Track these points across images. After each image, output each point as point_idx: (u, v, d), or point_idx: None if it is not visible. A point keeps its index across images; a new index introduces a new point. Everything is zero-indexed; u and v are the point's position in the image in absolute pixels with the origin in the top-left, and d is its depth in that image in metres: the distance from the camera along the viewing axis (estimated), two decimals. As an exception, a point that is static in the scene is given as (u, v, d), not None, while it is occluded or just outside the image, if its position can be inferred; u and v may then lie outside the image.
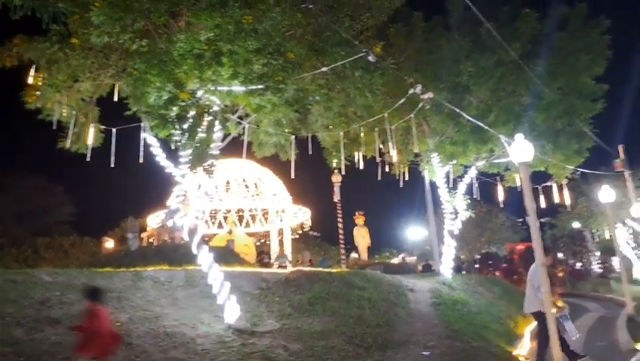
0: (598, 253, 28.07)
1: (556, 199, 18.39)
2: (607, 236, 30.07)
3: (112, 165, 10.78)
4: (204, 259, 8.99)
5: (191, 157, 8.56)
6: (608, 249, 27.58)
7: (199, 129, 8.13)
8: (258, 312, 9.53)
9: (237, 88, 7.71)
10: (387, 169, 15.34)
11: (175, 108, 7.51)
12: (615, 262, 25.10)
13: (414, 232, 39.73)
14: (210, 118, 8.39)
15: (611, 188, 16.96)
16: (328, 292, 10.95)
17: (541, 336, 8.47)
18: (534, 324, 13.74)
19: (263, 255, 20.18)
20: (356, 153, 13.20)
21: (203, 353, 7.57)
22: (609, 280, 25.29)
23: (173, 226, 13.96)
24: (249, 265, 15.91)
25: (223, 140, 9.87)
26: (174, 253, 12.97)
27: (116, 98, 10.17)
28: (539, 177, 17.55)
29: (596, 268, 25.64)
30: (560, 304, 15.14)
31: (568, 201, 19.42)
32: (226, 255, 14.92)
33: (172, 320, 8.31)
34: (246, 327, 8.62)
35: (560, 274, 23.17)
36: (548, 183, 17.65)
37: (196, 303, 9.27)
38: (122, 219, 31.00)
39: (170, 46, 7.86)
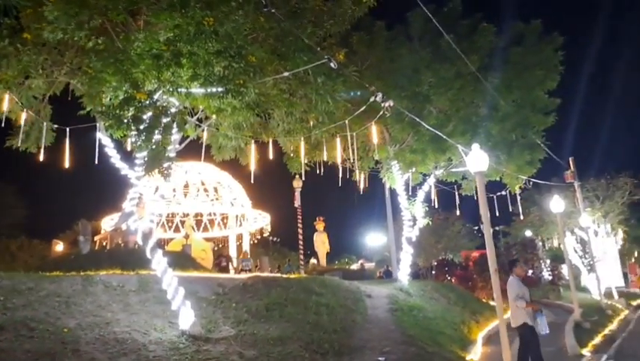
0: (548, 261, 28.94)
1: (510, 208, 18.90)
2: (556, 244, 31.14)
3: (65, 166, 10.41)
4: (159, 263, 8.78)
5: (147, 159, 8.36)
6: (558, 257, 28.50)
7: (156, 131, 7.93)
8: (213, 318, 9.40)
9: (197, 90, 7.59)
10: (348, 176, 15.47)
11: (131, 109, 7.31)
12: (564, 269, 25.95)
13: (373, 239, 40.14)
14: (168, 120, 8.21)
15: (562, 198, 17.58)
16: (286, 298, 10.91)
17: (522, 351, 8.56)
18: (486, 330, 14.13)
19: (221, 258, 19.75)
20: (317, 159, 13.22)
21: (155, 359, 7.39)
22: (558, 287, 26.08)
23: (127, 229, 13.62)
24: (205, 270, 15.68)
25: (181, 142, 9.68)
26: (128, 257, 12.66)
27: (70, 97, 9.83)
28: (494, 187, 18.02)
29: (546, 275, 26.42)
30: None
31: (520, 210, 19.98)
32: (182, 260, 14.67)
33: (123, 326, 8.08)
34: (201, 333, 8.46)
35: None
36: (503, 193, 18.12)
37: (149, 309, 9.07)
38: (74, 221, 30.05)
39: (127, 45, 7.65)
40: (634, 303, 25.22)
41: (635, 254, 46.87)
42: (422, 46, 14.05)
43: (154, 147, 7.81)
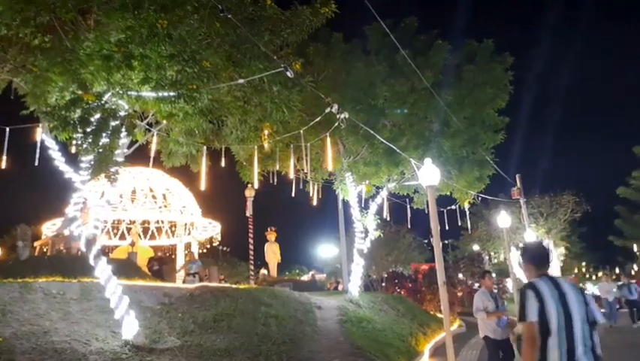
0: (494, 275, 29.76)
1: (459, 222, 19.32)
2: (502, 259, 32.09)
3: (2, 167, 9.90)
4: (102, 271, 8.45)
5: (93, 163, 8.05)
6: (503, 271, 29.36)
7: (103, 134, 7.67)
8: (158, 328, 9.11)
9: (148, 93, 7.38)
10: (301, 186, 15.42)
11: (78, 110, 7.03)
12: (509, 283, 26.68)
13: (325, 250, 40.16)
14: (117, 123, 7.95)
15: (508, 214, 18.13)
16: (234, 308, 10.74)
17: None
18: (433, 341, 14.32)
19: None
20: (271, 169, 13.11)
21: (96, 371, 7.11)
22: (503, 300, 26.74)
23: (70, 235, 13.07)
24: (153, 279, 15.24)
25: (129, 147, 9.39)
26: (70, 263, 12.16)
27: (12, 96, 9.37)
28: (444, 201, 18.37)
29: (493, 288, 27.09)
30: (457, 322, 15.68)
31: (469, 224, 20.46)
32: (127, 268, 14.22)
33: (63, 336, 7.73)
34: (145, 344, 8.19)
35: (459, 294, 24.25)
36: (452, 207, 18.50)
37: (91, 318, 8.70)
38: (12, 226, 28.69)
39: (76, 44, 7.40)
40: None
41: (576, 270, 48.99)
42: (378, 60, 14.21)
43: (100, 150, 7.52)
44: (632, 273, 47.47)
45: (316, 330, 11.25)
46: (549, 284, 3.75)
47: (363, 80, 13.99)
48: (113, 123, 7.74)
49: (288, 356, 9.08)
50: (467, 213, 18.86)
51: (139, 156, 11.23)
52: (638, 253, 39.89)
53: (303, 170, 14.65)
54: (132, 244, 20.74)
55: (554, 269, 30.76)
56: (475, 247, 33.01)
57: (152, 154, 9.96)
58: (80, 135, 7.55)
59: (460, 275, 27.41)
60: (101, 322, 8.62)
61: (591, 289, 41.59)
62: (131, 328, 8.18)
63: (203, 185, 10.62)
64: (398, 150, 12.41)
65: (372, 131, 12.02)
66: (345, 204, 16.15)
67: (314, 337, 10.72)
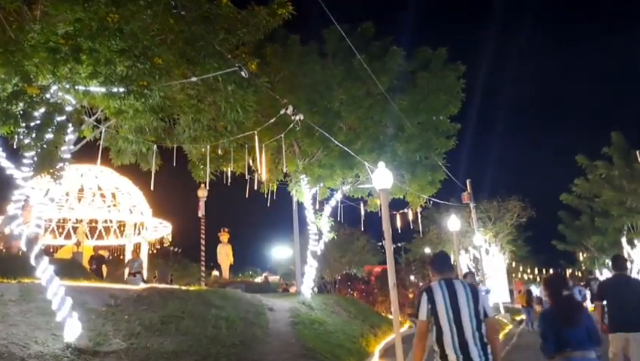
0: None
1: (411, 226, 19.64)
2: (452, 261, 32.81)
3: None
4: (44, 271, 8.12)
5: (36, 160, 7.72)
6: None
7: (48, 130, 7.37)
8: (103, 330, 8.83)
9: (96, 89, 7.14)
10: (256, 187, 15.26)
11: (21, 104, 6.73)
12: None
13: (279, 252, 40.04)
14: (62, 118, 7.66)
15: (458, 218, 18.57)
16: (184, 310, 10.53)
17: None
18: (384, 343, 14.47)
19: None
20: (225, 169, 12.93)
21: (34, 375, 6.83)
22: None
23: (10, 233, 12.49)
24: (97, 280, 14.79)
25: (76, 143, 9.06)
26: (9, 263, 11.63)
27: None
28: (397, 204, 18.63)
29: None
30: (408, 323, 15.92)
31: (420, 228, 20.82)
32: (72, 268, 13.76)
33: (-1, 339, 7.39)
34: (88, 346, 7.92)
35: (411, 296, 24.61)
36: (404, 210, 18.79)
37: (31, 320, 8.34)
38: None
39: (21, 35, 7.08)
40: (517, 318, 27.01)
41: (520, 273, 50.68)
42: (335, 63, 14.26)
43: (44, 146, 7.22)
44: (577, 275, 49.46)
45: (267, 332, 11.18)
46: (443, 287, 4.41)
47: (319, 82, 14.03)
48: (58, 118, 7.46)
49: (238, 358, 9.01)
50: (419, 216, 19.19)
51: (87, 153, 10.87)
52: (582, 257, 41.58)
53: (257, 171, 14.56)
54: (78, 244, 20.06)
55: (499, 271, 31.72)
56: (427, 250, 33.62)
57: (100, 151, 9.64)
58: (22, 130, 7.25)
59: (412, 277, 27.83)
60: (42, 324, 8.28)
61: (535, 291, 43.12)
62: (73, 330, 7.91)
63: (152, 184, 10.38)
64: (352, 153, 12.50)
65: (326, 134, 12.04)
66: (300, 205, 16.13)
67: (265, 339, 10.65)
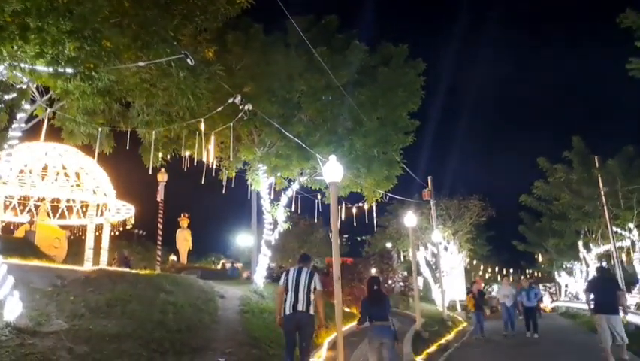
0: (405, 273, 30.75)
1: (366, 220, 19.78)
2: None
3: None
4: (-15, 250, 8.06)
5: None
6: (411, 269, 30.36)
7: (-5, 107, 7.30)
8: (46, 311, 8.82)
9: (42, 68, 7.09)
10: (214, 174, 15.21)
11: (-35, 81, 6.65)
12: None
13: (243, 239, 39.86)
14: (12, 96, 7.59)
15: (418, 215, 18.79)
16: (131, 294, 10.57)
17: None
18: (333, 335, 14.66)
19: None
20: (179, 154, 12.89)
21: (-31, 352, 6.80)
22: (408, 298, 27.77)
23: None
24: (51, 260, 14.62)
25: (27, 122, 8.98)
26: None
27: None
28: (357, 198, 18.75)
29: (399, 285, 28.04)
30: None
31: (375, 222, 20.99)
32: (24, 247, 13.59)
33: None
34: (28, 326, 7.89)
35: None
36: (361, 204, 18.94)
37: (-29, 298, 8.29)
38: None
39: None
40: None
41: (482, 271, 51.57)
42: (298, 54, 14.26)
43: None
44: (534, 276, 50.48)
45: (215, 319, 11.28)
46: (294, 270, 7.98)
47: (281, 72, 14.00)
48: (5, 97, 7.38)
49: (182, 344, 9.06)
50: (374, 211, 19.34)
51: (47, 131, 10.73)
52: (541, 259, 42.46)
53: (218, 157, 14.57)
54: (30, 223, 19.72)
55: (457, 269, 32.26)
56: (388, 245, 33.86)
57: (43, 130, 9.54)
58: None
59: (373, 270, 28.06)
60: (-18, 303, 8.23)
61: (494, 291, 44.05)
62: (13, 309, 7.87)
63: (95, 162, 10.29)
64: (305, 146, 12.59)
65: (277, 126, 12.12)
66: (258, 194, 16.17)
67: (211, 326, 10.75)
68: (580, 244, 32.46)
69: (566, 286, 42.80)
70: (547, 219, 33.40)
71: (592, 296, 10.32)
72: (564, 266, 40.41)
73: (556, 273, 43.15)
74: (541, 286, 44.73)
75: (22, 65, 7.00)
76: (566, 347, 14.26)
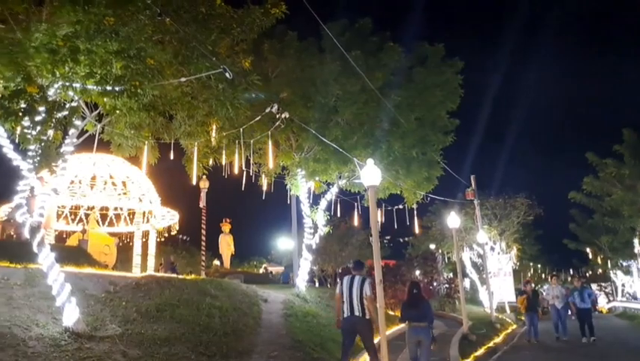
0: (450, 275, 30.25)
1: (407, 222, 19.67)
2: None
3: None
4: (45, 258, 8.58)
5: (39, 154, 8.15)
6: (457, 270, 29.87)
7: (50, 125, 7.78)
8: (100, 316, 9.29)
9: (92, 87, 7.52)
10: (254, 180, 15.54)
11: (22, 102, 7.13)
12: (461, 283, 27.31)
13: (283, 243, 40.24)
14: (62, 115, 8.06)
15: (462, 215, 18.39)
16: (179, 298, 10.95)
17: None
18: (377, 339, 14.68)
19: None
20: (221, 163, 13.26)
21: (34, 355, 7.24)
22: (454, 300, 27.33)
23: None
24: (104, 267, 15.29)
25: (79, 136, 9.50)
26: (18, 249, 12.11)
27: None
28: (397, 200, 18.68)
29: (444, 287, 27.73)
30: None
31: (416, 224, 20.82)
32: (77, 255, 14.25)
33: (3, 321, 7.84)
34: (85, 331, 8.35)
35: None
36: (400, 206, 18.84)
37: (33, 303, 8.82)
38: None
39: (25, 36, 7.45)
40: (523, 318, 26.86)
41: (532, 271, 50.15)
42: (332, 59, 14.35)
43: (44, 142, 7.63)
44: (587, 276, 48.69)
45: (259, 323, 11.52)
46: (347, 279, 8.50)
47: (316, 77, 14.17)
48: (58, 115, 7.85)
49: (228, 347, 9.35)
50: (415, 212, 19.21)
51: (98, 143, 11.32)
52: (595, 257, 41.06)
53: (256, 163, 14.90)
54: (83, 232, 20.61)
55: (505, 270, 31.49)
56: (432, 246, 33.35)
57: (95, 144, 10.09)
58: (26, 125, 7.66)
59: (417, 273, 27.74)
60: (43, 308, 8.74)
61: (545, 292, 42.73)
62: (71, 315, 8.33)
63: (144, 173, 10.73)
64: (341, 150, 12.71)
65: (313, 132, 12.29)
66: (298, 199, 16.39)
67: (256, 329, 11.00)
68: (635, 241, 31.23)
69: (623, 285, 41.18)
70: (600, 216, 32.22)
71: None
72: (620, 265, 38.90)
73: (611, 272, 41.59)
74: (595, 286, 43.39)
75: (74, 85, 7.47)
76: (624, 348, 13.82)
